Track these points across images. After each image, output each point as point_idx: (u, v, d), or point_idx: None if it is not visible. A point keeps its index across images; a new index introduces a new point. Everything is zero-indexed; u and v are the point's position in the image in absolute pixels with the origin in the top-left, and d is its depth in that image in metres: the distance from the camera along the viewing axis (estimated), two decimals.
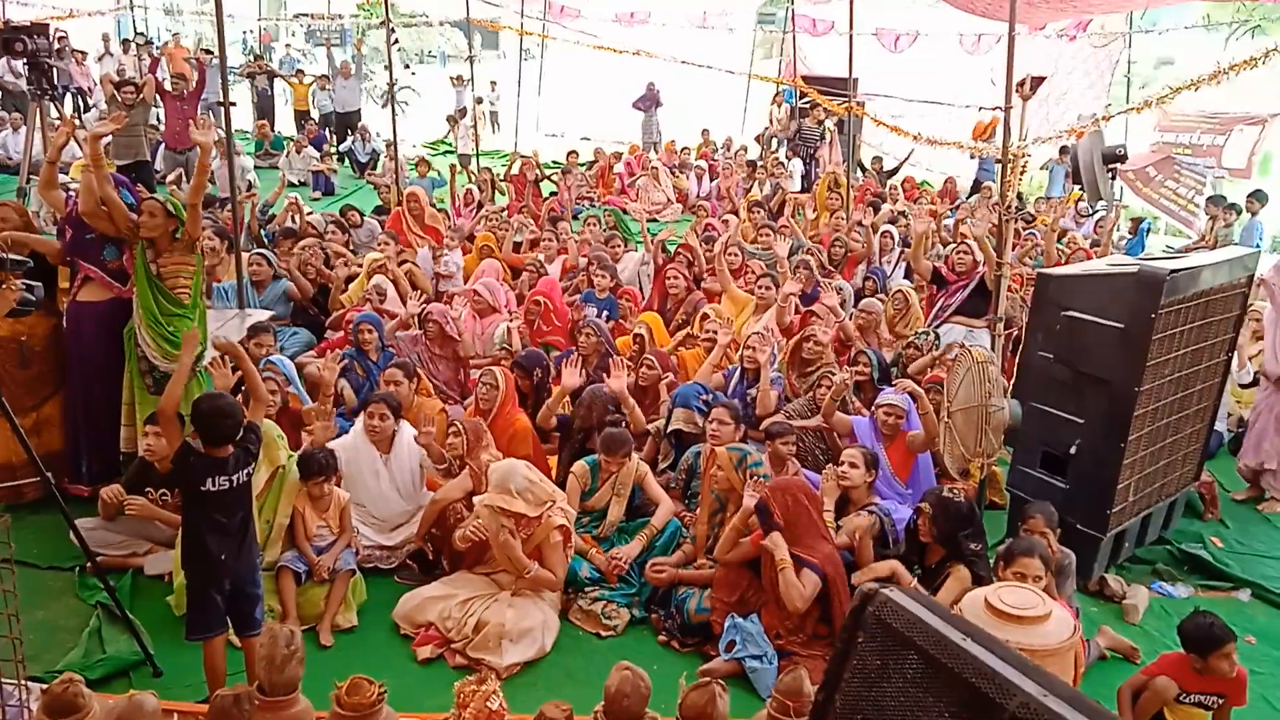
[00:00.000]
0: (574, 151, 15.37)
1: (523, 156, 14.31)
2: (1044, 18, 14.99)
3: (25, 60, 6.07)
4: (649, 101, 19.16)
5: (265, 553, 4.47)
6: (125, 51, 17.97)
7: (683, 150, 16.70)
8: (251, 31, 27.73)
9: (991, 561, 5.23)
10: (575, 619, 4.73)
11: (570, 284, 8.43)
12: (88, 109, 17.09)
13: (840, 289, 7.94)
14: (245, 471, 3.66)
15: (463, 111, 16.83)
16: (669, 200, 14.21)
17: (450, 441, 4.99)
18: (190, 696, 3.87)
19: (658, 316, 7.45)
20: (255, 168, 14.34)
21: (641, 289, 8.50)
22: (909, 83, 14.76)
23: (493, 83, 16.42)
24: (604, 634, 4.67)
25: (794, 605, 4.24)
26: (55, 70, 6.13)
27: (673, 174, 14.81)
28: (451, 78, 20.06)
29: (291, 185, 14.77)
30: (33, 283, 3.64)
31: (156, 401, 5.26)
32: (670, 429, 5.66)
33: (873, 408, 5.61)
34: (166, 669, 4.14)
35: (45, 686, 2.93)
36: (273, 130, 16.79)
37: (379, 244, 8.62)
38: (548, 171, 14.15)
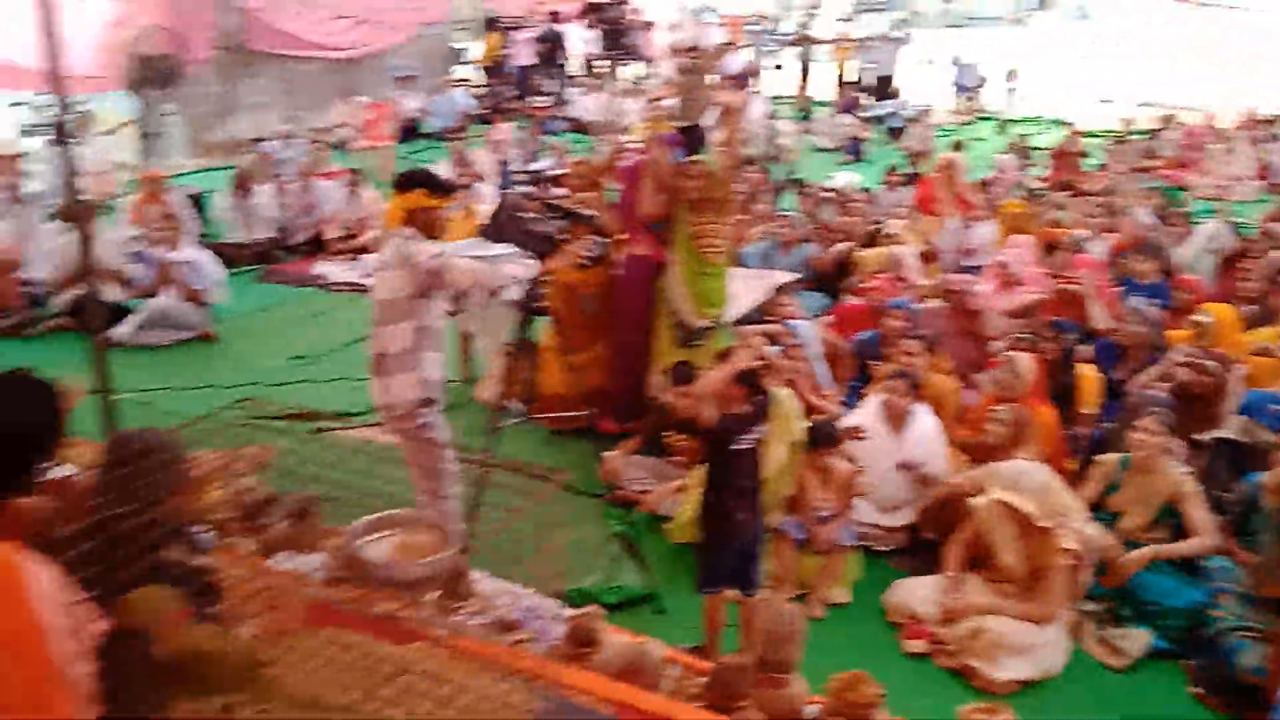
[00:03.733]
0: (1129, 119, 13.78)
1: (1066, 125, 13.20)
2: None
3: (604, 30, 6.69)
4: None
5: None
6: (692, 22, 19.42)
7: (1269, 118, 14.18)
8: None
9: None
10: (1085, 643, 4.23)
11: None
12: (648, 76, 18.86)
13: None
14: (760, 430, 3.72)
15: (1011, 73, 15.96)
16: (1242, 176, 12.18)
17: (990, 429, 4.68)
18: (685, 639, 3.99)
19: (1230, 309, 6.31)
20: (791, 133, 14.80)
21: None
22: None
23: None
24: (1117, 665, 4.13)
25: None
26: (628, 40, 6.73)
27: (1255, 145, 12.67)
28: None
29: (822, 150, 15.14)
30: (601, 239, 3.98)
31: (681, 354, 5.63)
32: (1220, 436, 4.80)
33: None
34: (668, 608, 4.39)
35: (572, 613, 3.21)
36: (811, 96, 17.20)
37: (905, 212, 8.45)
38: (1095, 142, 12.88)
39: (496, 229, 3.84)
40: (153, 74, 10.89)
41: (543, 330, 5.94)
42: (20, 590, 1.62)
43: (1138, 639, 4.18)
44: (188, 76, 12.23)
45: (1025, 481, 4.08)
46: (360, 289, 8.77)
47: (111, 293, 7.43)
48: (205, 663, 1.84)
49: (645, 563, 4.48)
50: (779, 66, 6.69)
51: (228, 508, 3.03)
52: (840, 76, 18.09)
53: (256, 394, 6.42)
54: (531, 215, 3.83)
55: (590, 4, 16.97)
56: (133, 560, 1.98)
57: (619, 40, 6.16)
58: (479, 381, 6.59)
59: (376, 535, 1.78)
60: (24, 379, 2.30)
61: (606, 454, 5.37)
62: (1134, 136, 13.22)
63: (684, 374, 5.10)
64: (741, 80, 12.26)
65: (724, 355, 3.95)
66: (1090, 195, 9.72)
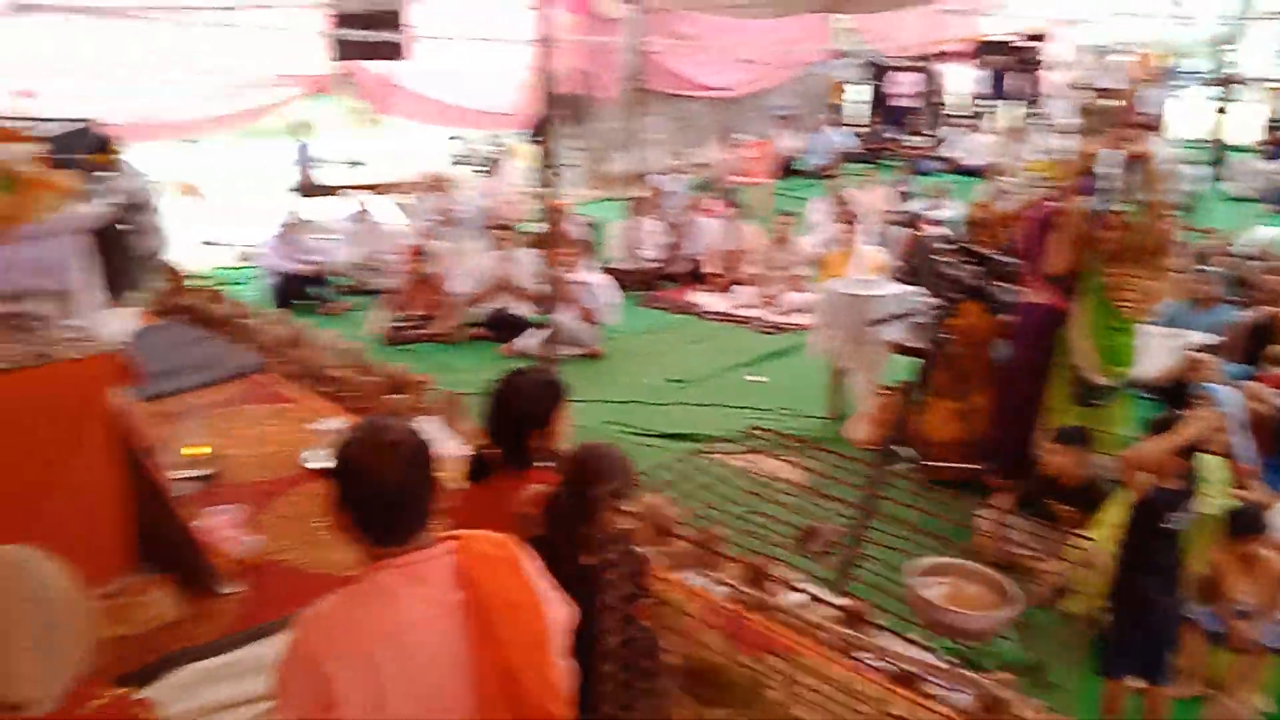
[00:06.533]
0: None
1: None
2: None
3: (1023, 69, 6.46)
4: None
5: None
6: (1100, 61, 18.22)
7: None
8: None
9: None
10: None
11: None
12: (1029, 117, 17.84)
13: None
14: (1193, 509, 3.40)
15: None
16: None
17: None
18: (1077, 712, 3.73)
19: None
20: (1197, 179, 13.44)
21: None
22: None
23: None
24: None
25: None
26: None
27: None
28: None
29: (1241, 200, 13.68)
30: (1009, 286, 3.85)
31: (1074, 411, 5.26)
32: None
33: None
34: (1056, 683, 4.08)
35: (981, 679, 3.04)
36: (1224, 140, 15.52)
37: None
38: None
39: (910, 269, 3.81)
40: (566, 111, 11.96)
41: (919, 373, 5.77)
42: (517, 564, 1.82)
43: None
44: (595, 113, 13.32)
45: None
46: (733, 319, 9.07)
47: (521, 308, 8.25)
48: (716, 675, 1.97)
49: (1029, 631, 4.20)
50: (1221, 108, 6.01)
51: (639, 523, 3.21)
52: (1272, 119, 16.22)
53: (638, 411, 6.80)
54: (945, 259, 3.75)
55: (984, 43, 16.52)
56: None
57: (1035, 79, 5.85)
58: (848, 419, 6.57)
59: (935, 579, 1.84)
60: (538, 371, 2.77)
61: (982, 515, 5.10)
62: None
63: (1073, 436, 4.79)
64: (1153, 122, 11.26)
65: (1163, 423, 3.60)
66: None
